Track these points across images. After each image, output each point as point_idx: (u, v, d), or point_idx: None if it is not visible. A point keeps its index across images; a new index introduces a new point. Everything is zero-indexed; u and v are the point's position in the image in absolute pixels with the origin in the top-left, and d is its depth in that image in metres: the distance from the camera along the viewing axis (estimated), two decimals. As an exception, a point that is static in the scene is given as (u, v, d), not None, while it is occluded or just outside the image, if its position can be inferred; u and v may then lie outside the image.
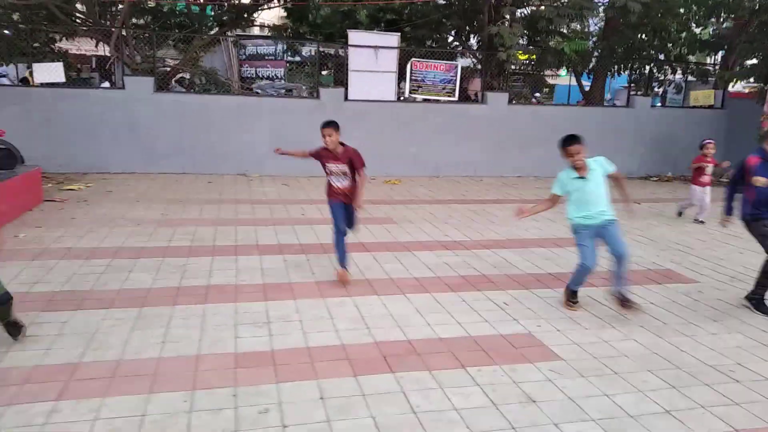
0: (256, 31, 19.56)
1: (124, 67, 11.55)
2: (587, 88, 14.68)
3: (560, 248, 6.54)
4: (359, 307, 4.54)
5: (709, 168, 8.07)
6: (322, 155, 4.98)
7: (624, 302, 4.43)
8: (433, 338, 4.04)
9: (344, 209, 5.04)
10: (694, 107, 13.19)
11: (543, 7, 11.42)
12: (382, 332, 4.08)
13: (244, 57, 23.09)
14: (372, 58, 11.26)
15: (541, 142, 11.69)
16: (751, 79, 13.39)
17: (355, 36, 11.34)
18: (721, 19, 13.87)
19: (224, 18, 14.75)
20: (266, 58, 23.26)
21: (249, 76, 23.08)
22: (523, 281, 5.35)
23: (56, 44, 13.34)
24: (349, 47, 11.33)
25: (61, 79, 10.27)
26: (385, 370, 3.54)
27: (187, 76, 14.90)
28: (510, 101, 12.14)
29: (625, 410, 3.20)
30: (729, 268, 6.01)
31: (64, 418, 2.91)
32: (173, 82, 13.60)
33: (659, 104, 18.30)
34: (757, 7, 10.84)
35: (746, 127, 11.91)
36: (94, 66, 17.27)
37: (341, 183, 4.97)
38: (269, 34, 17.02)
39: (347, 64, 11.35)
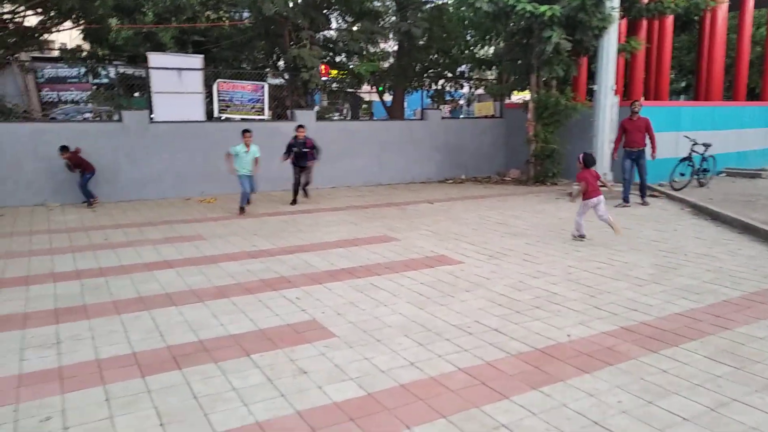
0: (56, 54, 18.27)
1: None
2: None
3: (356, 247, 7.33)
4: (156, 319, 4.78)
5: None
6: None
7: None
8: (224, 335, 4.45)
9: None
10: (478, 117, 15.17)
11: (336, 33, 12.44)
12: (174, 337, 4.39)
13: (42, 80, 21.26)
14: (176, 80, 11.31)
15: (350, 153, 12.64)
16: (527, 92, 15.81)
17: (155, 58, 11.30)
18: (498, 41, 16.18)
19: (8, 40, 13.62)
20: (69, 81, 21.67)
21: (51, 100, 21.28)
22: (317, 278, 5.98)
23: None
24: (150, 69, 11.25)
25: None
26: (173, 368, 3.87)
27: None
28: (318, 118, 12.94)
29: (378, 367, 3.91)
30: (490, 249, 7.23)
31: None
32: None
33: (461, 116, 20.60)
34: (515, 30, 12.89)
35: (519, 132, 14.04)
36: None
37: None
38: (60, 56, 16.04)
39: (150, 87, 11.26)
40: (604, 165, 11.67)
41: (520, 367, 3.92)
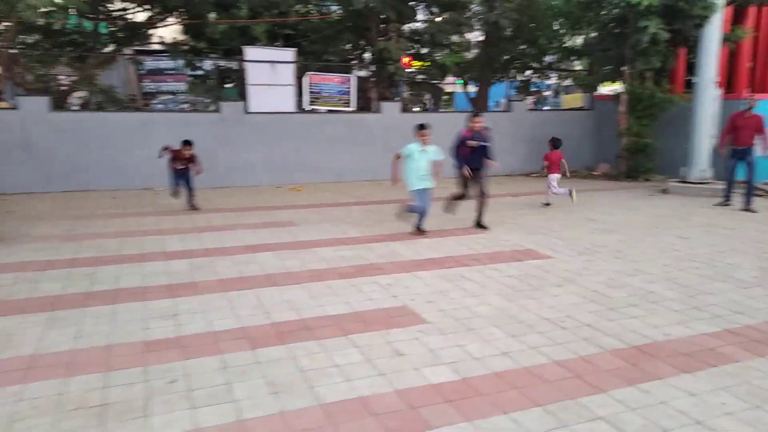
0: (155, 47, 19.45)
1: (16, 87, 11.39)
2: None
3: (442, 238, 7.43)
4: (259, 297, 5.12)
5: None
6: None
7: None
8: (323, 316, 4.71)
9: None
10: (565, 109, 14.76)
11: (422, 24, 12.51)
12: (278, 315, 4.69)
13: (144, 72, 22.79)
14: (270, 72, 11.82)
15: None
16: (620, 84, 15.21)
17: (251, 51, 11.85)
18: (588, 30, 15.65)
19: (119, 35, 14.72)
20: (167, 72, 23.09)
21: (151, 90, 22.79)
22: (405, 266, 6.14)
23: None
24: (246, 62, 11.82)
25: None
26: (278, 342, 4.16)
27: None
28: (403, 110, 13.10)
29: (471, 354, 4.01)
30: (580, 245, 7.11)
31: (-12, 403, 3.30)
32: (70, 100, 13.48)
33: (546, 107, 20.14)
34: (608, 20, 12.44)
35: (610, 125, 13.56)
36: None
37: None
38: (164, 49, 17.08)
39: (245, 79, 11.84)
40: (702, 161, 11.08)
41: (616, 363, 3.89)
